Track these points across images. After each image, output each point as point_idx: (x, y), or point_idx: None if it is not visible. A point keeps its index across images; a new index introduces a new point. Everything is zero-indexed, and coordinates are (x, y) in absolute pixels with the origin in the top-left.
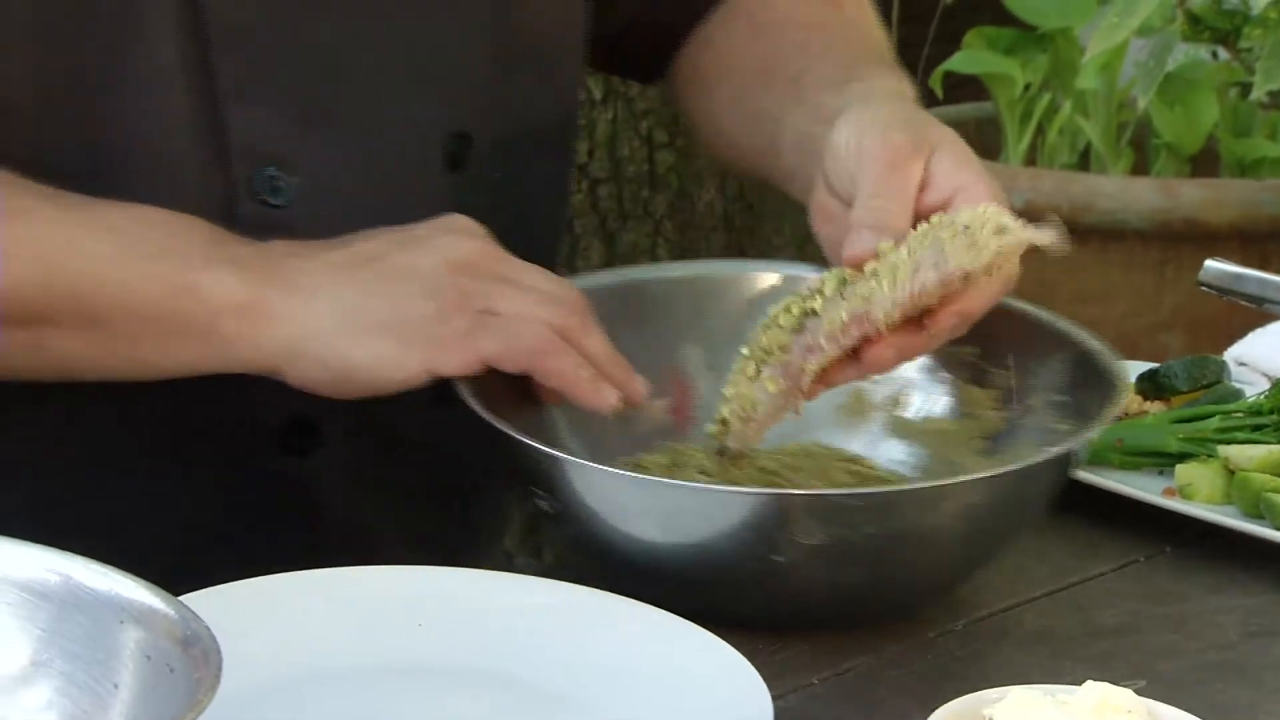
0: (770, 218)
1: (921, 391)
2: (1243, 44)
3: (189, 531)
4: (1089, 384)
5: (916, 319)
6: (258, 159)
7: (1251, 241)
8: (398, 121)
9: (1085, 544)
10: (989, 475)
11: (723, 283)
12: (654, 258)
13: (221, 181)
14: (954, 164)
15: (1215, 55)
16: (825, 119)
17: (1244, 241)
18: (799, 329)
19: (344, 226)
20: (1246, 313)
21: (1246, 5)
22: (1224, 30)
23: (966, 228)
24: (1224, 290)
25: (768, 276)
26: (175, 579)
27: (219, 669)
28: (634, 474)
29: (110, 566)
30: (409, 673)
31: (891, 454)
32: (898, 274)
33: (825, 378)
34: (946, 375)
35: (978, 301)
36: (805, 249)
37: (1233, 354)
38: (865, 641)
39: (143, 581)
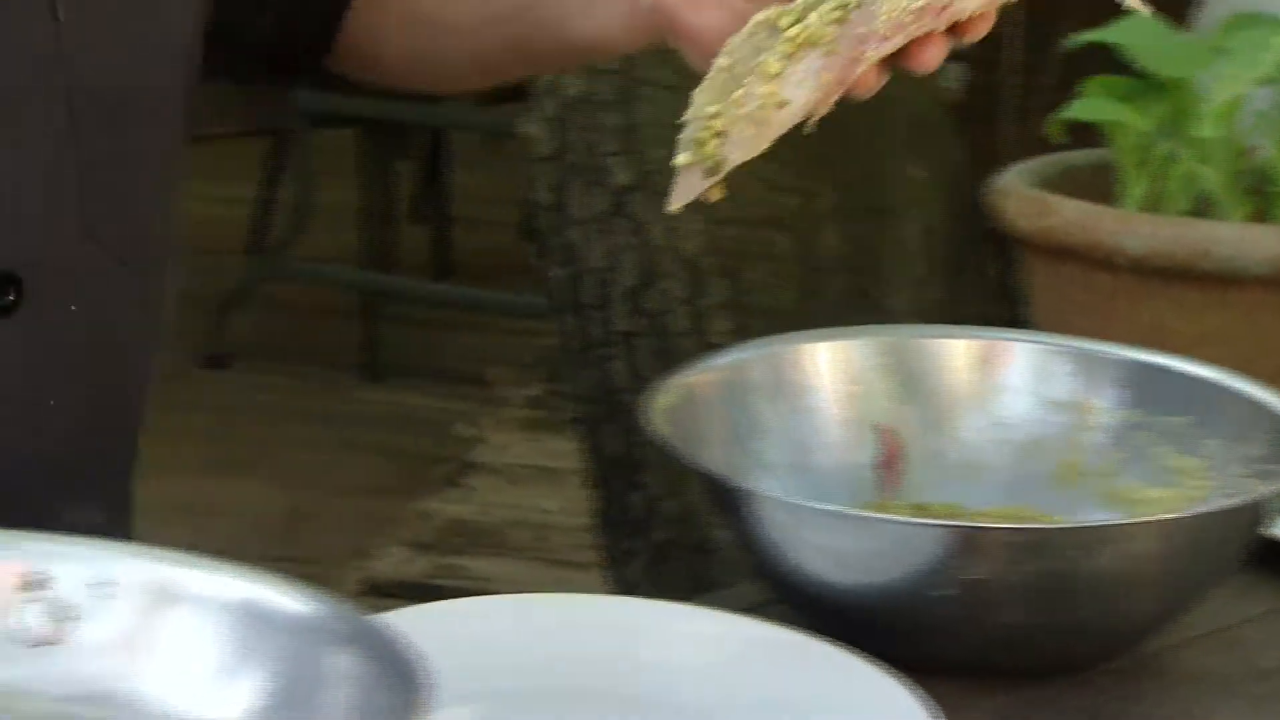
0: (887, 259)
1: (1133, 460)
2: None
3: None
4: None
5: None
6: None
7: None
8: None
9: (1243, 585)
10: (1148, 520)
11: (935, 347)
12: (775, 299)
13: None
14: None
15: None
16: None
17: None
18: (843, 22)
19: None
20: None
21: None
22: None
23: None
24: None
25: (980, 343)
26: None
27: (430, 692)
28: (792, 500)
29: (315, 589)
30: (596, 698)
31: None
32: None
33: (861, 81)
34: (1159, 444)
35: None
36: (923, 289)
37: None
38: (1020, 680)
39: (349, 604)
